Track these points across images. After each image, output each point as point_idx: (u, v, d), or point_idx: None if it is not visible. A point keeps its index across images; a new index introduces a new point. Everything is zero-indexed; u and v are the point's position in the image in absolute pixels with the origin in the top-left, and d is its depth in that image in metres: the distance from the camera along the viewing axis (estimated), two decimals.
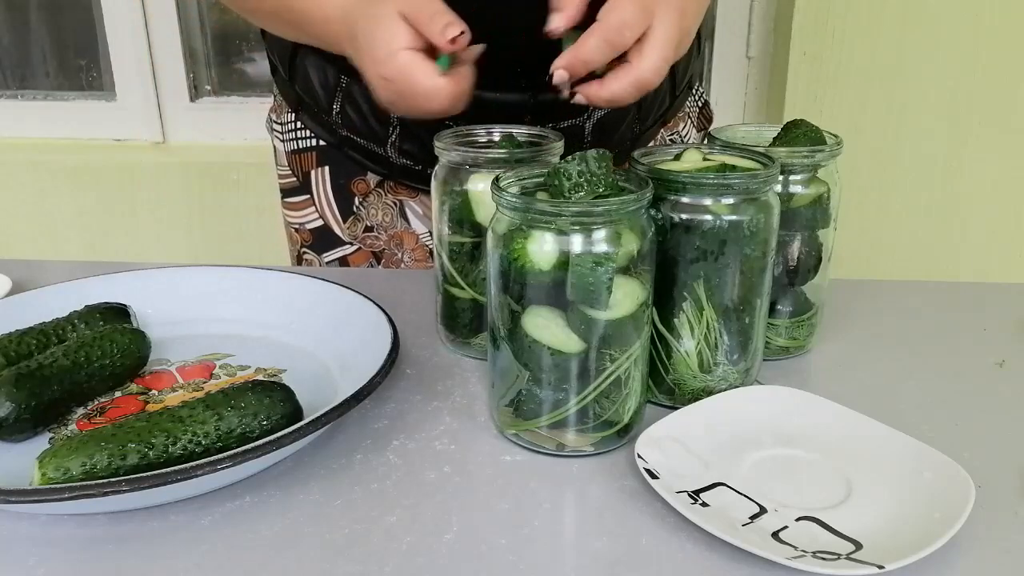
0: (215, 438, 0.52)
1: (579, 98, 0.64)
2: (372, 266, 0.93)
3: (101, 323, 0.66)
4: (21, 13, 1.81)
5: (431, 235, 0.91)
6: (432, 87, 0.63)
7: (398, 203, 0.90)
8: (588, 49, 0.61)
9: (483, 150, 0.67)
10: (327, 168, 0.90)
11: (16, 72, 1.84)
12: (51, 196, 1.75)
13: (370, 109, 0.84)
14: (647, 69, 0.62)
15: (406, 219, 0.90)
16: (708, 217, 0.56)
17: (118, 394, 0.64)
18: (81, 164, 1.74)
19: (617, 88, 0.63)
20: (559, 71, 0.62)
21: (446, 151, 0.65)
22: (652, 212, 0.56)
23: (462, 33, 0.62)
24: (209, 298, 0.74)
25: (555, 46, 0.64)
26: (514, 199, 0.51)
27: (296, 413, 0.56)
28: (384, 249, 0.92)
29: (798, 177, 0.65)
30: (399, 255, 0.91)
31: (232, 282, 0.75)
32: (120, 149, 1.80)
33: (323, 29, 0.72)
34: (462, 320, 0.68)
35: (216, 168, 1.72)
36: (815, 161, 0.65)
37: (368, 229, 0.91)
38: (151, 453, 0.51)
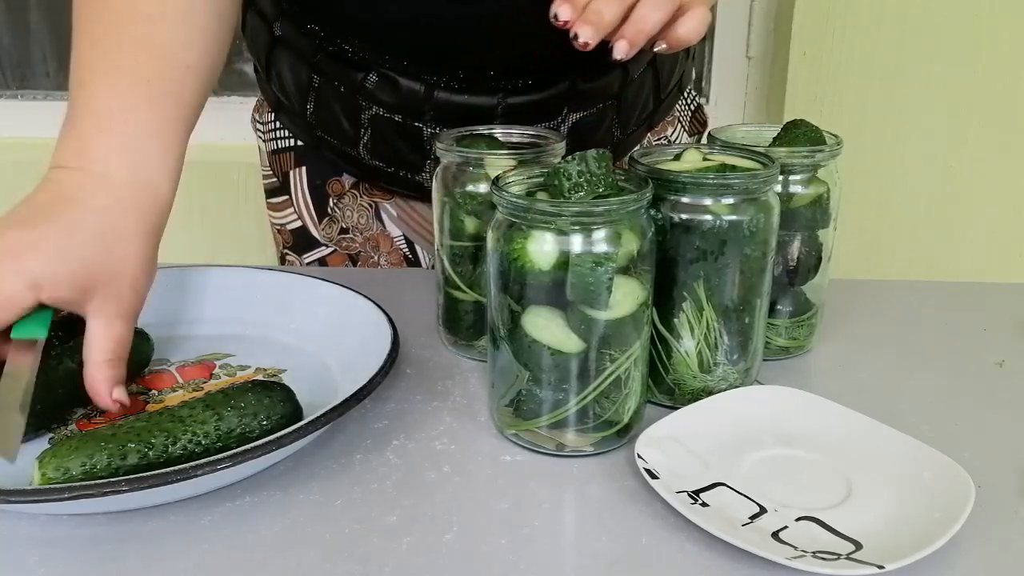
0: (215, 438, 0.52)
1: (621, 44, 0.53)
2: (348, 267, 0.92)
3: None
4: (21, 13, 1.81)
5: (405, 238, 0.91)
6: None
7: (373, 205, 0.89)
8: (642, 20, 0.52)
9: (484, 151, 0.66)
10: (304, 169, 0.90)
11: (16, 72, 1.84)
12: None
13: (342, 109, 0.83)
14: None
15: (381, 221, 0.90)
16: (708, 217, 0.56)
17: None
18: None
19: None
20: (621, 42, 0.53)
21: (447, 152, 0.65)
22: (652, 212, 0.56)
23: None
24: (209, 298, 0.74)
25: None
26: (514, 199, 0.51)
27: (296, 413, 0.56)
28: (360, 251, 0.91)
29: (798, 177, 0.65)
30: (375, 257, 0.91)
31: (232, 282, 0.75)
32: None
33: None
34: (465, 322, 0.68)
35: (216, 168, 1.72)
36: (815, 161, 0.65)
37: (343, 231, 0.90)
38: (151, 453, 0.51)
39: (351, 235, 0.90)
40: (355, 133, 0.84)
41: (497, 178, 0.55)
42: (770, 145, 0.67)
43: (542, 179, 0.56)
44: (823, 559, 0.45)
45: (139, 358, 0.65)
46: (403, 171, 0.85)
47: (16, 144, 1.80)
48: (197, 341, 0.71)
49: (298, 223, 0.92)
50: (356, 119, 0.83)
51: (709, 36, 1.65)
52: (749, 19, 1.63)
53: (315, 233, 0.91)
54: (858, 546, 0.46)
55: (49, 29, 1.82)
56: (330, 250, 0.92)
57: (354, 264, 0.92)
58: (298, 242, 0.93)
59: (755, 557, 0.45)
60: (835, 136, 0.67)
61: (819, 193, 0.66)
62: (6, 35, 1.83)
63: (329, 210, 0.90)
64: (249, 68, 1.81)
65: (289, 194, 0.91)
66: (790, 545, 0.46)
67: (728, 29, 1.64)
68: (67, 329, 0.65)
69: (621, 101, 0.84)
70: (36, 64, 1.84)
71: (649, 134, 0.90)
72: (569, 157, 0.53)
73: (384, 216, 0.90)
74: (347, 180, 0.89)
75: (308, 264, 0.93)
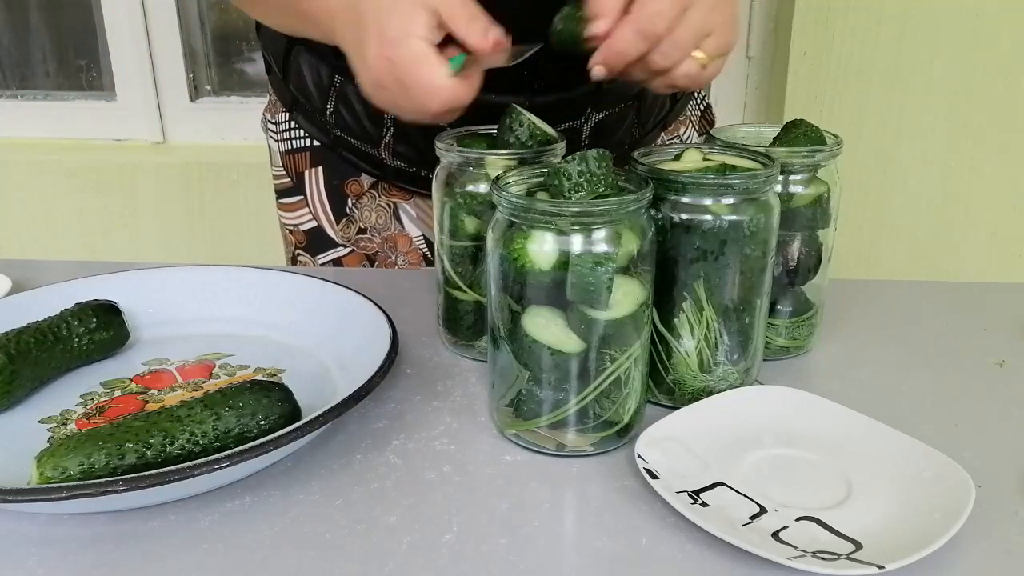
0: (213, 438, 0.52)
1: (598, 70, 0.62)
2: (365, 267, 0.92)
3: (94, 319, 0.66)
4: (21, 13, 1.81)
5: (424, 238, 0.90)
6: (437, 85, 0.60)
7: (392, 205, 0.89)
8: (622, 42, 0.60)
9: (484, 151, 0.66)
10: (320, 169, 0.90)
11: (16, 72, 1.85)
12: (51, 196, 1.76)
13: (364, 110, 0.83)
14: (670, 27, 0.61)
15: (400, 221, 0.90)
16: (708, 217, 0.56)
17: (118, 393, 0.64)
18: (81, 164, 1.74)
19: (620, 36, 0.61)
20: (598, 67, 0.61)
21: (447, 152, 0.65)
22: (652, 212, 0.56)
23: (501, 37, 0.62)
24: (209, 298, 0.74)
25: (553, 48, 0.64)
26: (514, 199, 0.51)
27: (294, 413, 0.55)
28: (377, 252, 0.91)
29: (798, 177, 0.65)
30: (393, 257, 0.91)
31: (232, 282, 0.75)
32: (120, 149, 1.80)
33: (323, 7, 0.67)
34: (465, 323, 0.68)
35: (216, 168, 1.72)
36: (815, 161, 0.65)
37: (361, 231, 0.90)
38: (149, 453, 0.51)
39: (369, 235, 0.90)
40: (377, 133, 0.84)
41: (497, 178, 0.55)
42: (770, 145, 0.67)
43: (542, 179, 0.56)
44: (823, 559, 0.45)
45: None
46: (424, 171, 0.85)
47: (16, 144, 1.81)
48: (197, 341, 0.71)
49: (312, 223, 0.92)
50: (379, 119, 0.83)
51: None
52: (749, 19, 1.63)
53: (331, 233, 0.91)
54: (858, 546, 0.46)
55: (49, 29, 1.82)
56: (347, 250, 0.92)
57: (371, 264, 0.92)
58: (312, 243, 0.92)
59: (755, 557, 0.45)
60: (835, 136, 0.67)
61: (819, 193, 0.66)
62: (6, 35, 1.83)
63: (348, 210, 0.90)
64: (250, 68, 1.82)
65: (304, 194, 0.91)
66: (790, 545, 0.46)
67: None
68: (58, 327, 0.65)
69: (641, 102, 0.85)
70: (36, 64, 1.84)
71: (663, 133, 0.91)
72: (569, 157, 0.53)
73: (403, 216, 0.90)
74: (365, 180, 0.89)
75: (323, 265, 0.93)
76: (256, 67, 1.82)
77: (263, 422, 0.54)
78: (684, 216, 0.57)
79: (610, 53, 0.60)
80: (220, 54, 1.80)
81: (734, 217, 0.56)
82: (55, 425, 0.60)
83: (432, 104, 0.61)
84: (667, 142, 0.92)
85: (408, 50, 0.60)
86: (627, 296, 0.53)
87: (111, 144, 1.82)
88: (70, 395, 0.63)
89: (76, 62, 1.82)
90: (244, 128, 1.78)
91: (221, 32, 1.79)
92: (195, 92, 1.79)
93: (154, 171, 1.74)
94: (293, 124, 0.90)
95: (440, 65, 0.60)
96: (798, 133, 0.66)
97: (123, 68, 1.75)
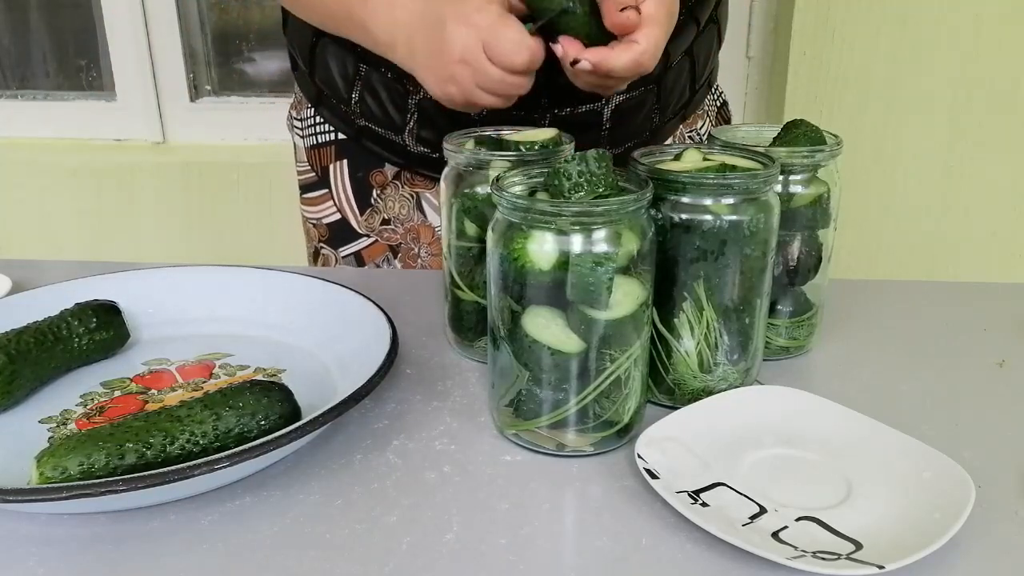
0: (213, 438, 0.52)
1: (583, 64, 0.66)
2: (388, 259, 0.93)
3: (94, 319, 0.66)
4: (21, 13, 1.81)
5: None
6: (521, 38, 0.65)
7: (415, 195, 0.90)
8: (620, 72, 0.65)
9: (492, 153, 0.66)
10: (345, 161, 0.91)
11: (16, 72, 1.84)
12: (51, 196, 1.76)
13: (388, 97, 0.85)
14: (646, 52, 0.65)
15: (423, 212, 0.91)
16: (708, 217, 0.56)
17: (118, 393, 0.64)
18: (81, 164, 1.74)
19: (617, 64, 0.65)
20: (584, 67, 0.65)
21: (455, 153, 0.65)
22: (652, 212, 0.56)
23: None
24: (209, 298, 0.74)
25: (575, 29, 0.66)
26: (514, 199, 0.51)
27: (294, 413, 0.56)
28: (400, 243, 0.92)
29: (798, 177, 0.65)
30: (415, 249, 0.92)
31: (232, 282, 0.75)
32: (120, 149, 1.80)
33: (387, 20, 0.72)
34: (467, 323, 0.68)
35: (216, 168, 1.72)
36: (815, 161, 0.65)
37: (385, 222, 0.92)
38: (149, 453, 0.51)
39: (392, 226, 0.92)
40: (401, 119, 0.85)
41: (497, 178, 0.55)
42: (770, 145, 0.67)
43: (542, 179, 0.56)
44: (823, 559, 0.45)
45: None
46: None
47: (16, 144, 1.81)
48: (197, 341, 0.71)
49: (336, 216, 0.93)
50: (403, 105, 0.84)
51: None
52: (749, 19, 1.63)
53: (355, 225, 0.93)
54: (858, 546, 0.46)
55: (49, 29, 1.82)
56: (371, 241, 0.93)
57: (394, 255, 0.93)
58: (335, 235, 0.94)
59: (755, 557, 0.45)
60: (835, 136, 0.67)
61: (819, 193, 0.66)
62: (6, 35, 1.83)
63: (372, 200, 0.91)
64: (250, 68, 1.82)
65: (329, 187, 0.93)
66: (790, 545, 0.46)
67: (728, 29, 1.64)
68: (58, 327, 0.65)
69: (661, 86, 0.86)
70: (36, 64, 1.84)
71: (681, 126, 0.92)
72: (569, 157, 0.53)
73: (425, 206, 0.91)
74: (389, 171, 0.91)
75: (344, 257, 0.94)
76: (256, 67, 1.82)
77: (263, 422, 0.54)
78: (684, 216, 0.57)
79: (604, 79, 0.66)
80: (220, 54, 1.80)
81: (734, 217, 0.56)
82: (55, 425, 0.60)
83: (519, 58, 0.65)
84: (686, 135, 0.93)
85: (490, 13, 0.65)
86: (627, 296, 0.53)
87: (111, 144, 1.82)
88: (70, 395, 0.64)
89: (76, 62, 1.82)
90: (244, 128, 1.78)
91: (221, 32, 1.79)
92: (195, 92, 1.79)
93: (154, 171, 1.74)
94: (318, 119, 0.92)
95: (519, 24, 0.66)
96: (798, 133, 0.66)
97: (123, 68, 1.75)
